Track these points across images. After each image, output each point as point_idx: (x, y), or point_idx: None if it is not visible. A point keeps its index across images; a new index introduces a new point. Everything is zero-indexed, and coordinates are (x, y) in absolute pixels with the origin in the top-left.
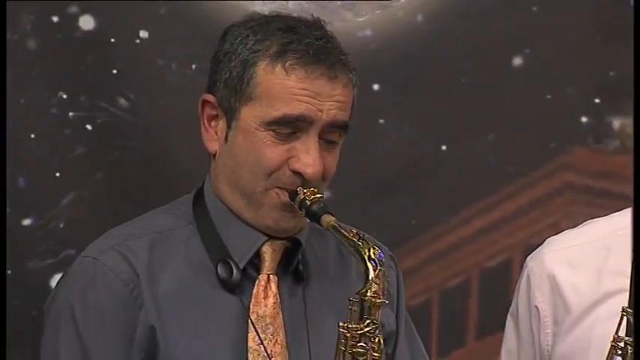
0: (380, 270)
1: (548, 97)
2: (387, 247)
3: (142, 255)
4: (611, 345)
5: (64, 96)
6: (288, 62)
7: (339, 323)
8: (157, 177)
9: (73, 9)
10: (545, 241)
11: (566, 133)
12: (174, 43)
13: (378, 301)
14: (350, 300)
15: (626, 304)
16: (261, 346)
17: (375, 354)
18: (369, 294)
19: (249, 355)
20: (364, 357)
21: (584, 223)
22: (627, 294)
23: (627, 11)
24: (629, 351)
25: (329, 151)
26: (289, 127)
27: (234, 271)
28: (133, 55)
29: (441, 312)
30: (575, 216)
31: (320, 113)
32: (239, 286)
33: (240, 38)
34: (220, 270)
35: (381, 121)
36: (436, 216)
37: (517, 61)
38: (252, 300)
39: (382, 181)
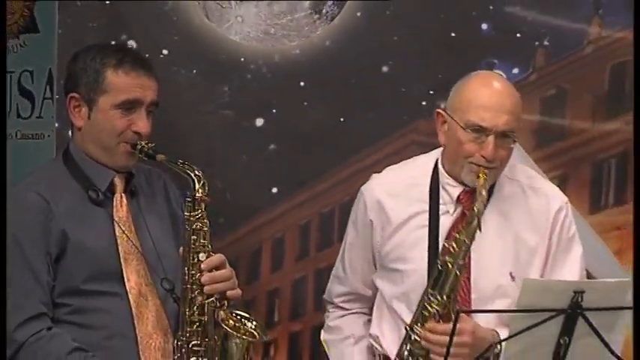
0: (203, 181)
1: (403, 90)
2: (297, 181)
3: (45, 191)
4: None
5: None
6: (126, 69)
7: (184, 213)
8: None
9: (123, 36)
10: (372, 176)
11: (413, 111)
12: (186, 58)
13: (204, 198)
14: (185, 199)
15: (427, 222)
16: (123, 234)
17: (205, 228)
18: (196, 195)
19: (117, 239)
20: (200, 231)
21: (400, 163)
22: (427, 214)
23: (449, 35)
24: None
25: (149, 119)
26: (129, 107)
27: (100, 194)
28: (157, 65)
29: (319, 226)
30: None
31: (146, 97)
32: (103, 203)
33: (89, 58)
34: (91, 194)
35: (305, 103)
36: (333, 161)
37: (385, 68)
38: (114, 210)
39: (303, 140)
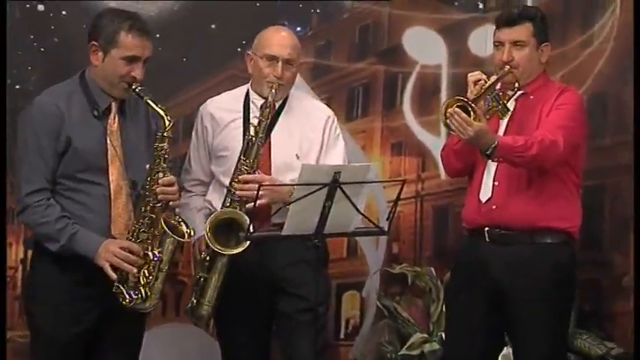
0: (172, 124)
1: (225, 40)
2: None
3: (62, 102)
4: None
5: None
6: (134, 33)
7: (156, 134)
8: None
9: None
10: (207, 100)
11: (232, 55)
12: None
13: (169, 136)
14: (156, 134)
15: (242, 124)
16: (112, 143)
17: (166, 156)
18: (165, 133)
19: (108, 146)
20: (162, 157)
21: (224, 92)
22: (241, 119)
23: (255, 4)
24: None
25: (143, 68)
26: (131, 60)
27: (100, 111)
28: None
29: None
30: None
31: (144, 55)
32: (102, 119)
33: (110, 19)
34: (94, 111)
35: (160, 48)
36: (180, 87)
37: (213, 26)
38: (108, 124)
39: (153, 72)
